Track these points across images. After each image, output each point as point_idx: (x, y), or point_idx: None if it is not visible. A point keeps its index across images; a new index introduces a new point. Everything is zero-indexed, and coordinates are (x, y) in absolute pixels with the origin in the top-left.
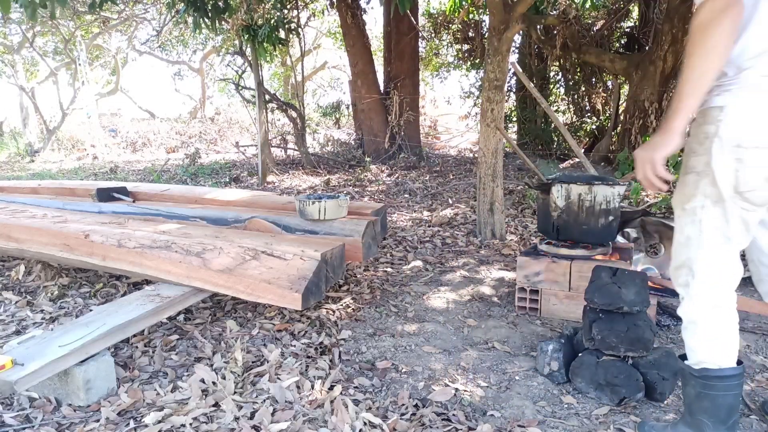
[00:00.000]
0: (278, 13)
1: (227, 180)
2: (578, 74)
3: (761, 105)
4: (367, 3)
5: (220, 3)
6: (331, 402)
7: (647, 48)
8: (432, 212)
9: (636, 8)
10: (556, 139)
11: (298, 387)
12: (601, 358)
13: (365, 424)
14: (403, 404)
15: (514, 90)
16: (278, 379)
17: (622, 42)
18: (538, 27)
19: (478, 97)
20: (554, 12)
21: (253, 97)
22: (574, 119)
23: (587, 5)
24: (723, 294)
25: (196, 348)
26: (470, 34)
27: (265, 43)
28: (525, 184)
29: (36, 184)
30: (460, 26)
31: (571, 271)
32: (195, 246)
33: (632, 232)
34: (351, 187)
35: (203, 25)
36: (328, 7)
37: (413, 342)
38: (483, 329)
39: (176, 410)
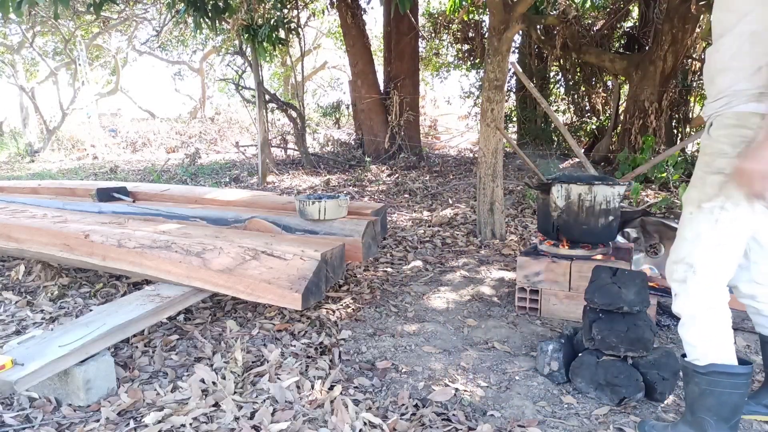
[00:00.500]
0: (278, 13)
1: (227, 180)
2: (578, 74)
3: None
4: (367, 3)
5: (220, 3)
6: (331, 402)
7: (647, 48)
8: (432, 212)
9: (636, 8)
10: (556, 139)
11: (298, 387)
12: (601, 358)
13: (365, 424)
14: (403, 404)
15: (514, 90)
16: (278, 379)
17: (622, 42)
18: (538, 27)
19: (478, 97)
20: (554, 12)
21: (253, 97)
22: (574, 119)
23: (587, 5)
24: (721, 291)
25: (196, 348)
26: (470, 34)
27: (265, 43)
28: (525, 184)
29: (36, 184)
30: (460, 26)
31: (571, 271)
32: (195, 246)
33: (632, 232)
34: (351, 187)
35: (203, 25)
36: (328, 7)
37: (413, 342)
38: (483, 329)
39: (176, 410)
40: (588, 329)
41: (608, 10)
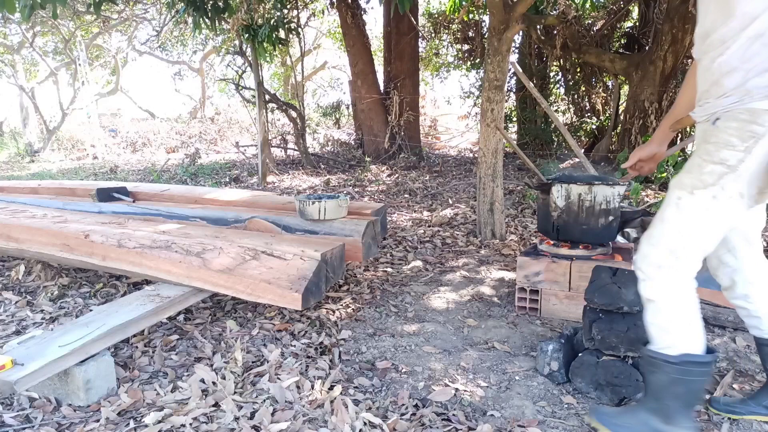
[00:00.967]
0: (278, 13)
1: (227, 180)
2: (578, 74)
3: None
4: (367, 3)
5: (220, 3)
6: (331, 402)
7: (647, 48)
8: (432, 212)
9: (636, 8)
10: (556, 139)
11: (298, 387)
12: (601, 358)
13: (365, 424)
14: (403, 404)
15: (514, 90)
16: (278, 379)
17: (622, 42)
18: (538, 27)
19: (478, 97)
20: (554, 12)
21: (253, 97)
22: (574, 119)
23: (587, 5)
24: (692, 280)
25: (196, 348)
26: (470, 34)
27: (265, 43)
28: (525, 184)
29: (36, 184)
30: (460, 26)
31: (571, 271)
32: (195, 246)
33: (632, 232)
34: (351, 187)
35: (203, 25)
36: (328, 7)
37: (413, 342)
38: (483, 329)
39: (176, 410)
40: (588, 329)
41: (608, 10)
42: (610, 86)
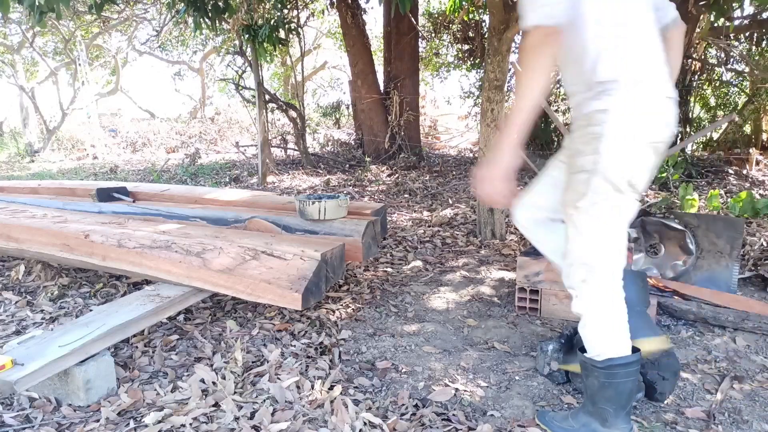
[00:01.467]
0: (278, 13)
1: (227, 180)
2: None
3: (636, 106)
4: (367, 3)
5: (220, 3)
6: (331, 402)
7: None
8: (432, 212)
9: None
10: (556, 139)
11: (298, 387)
12: None
13: (365, 424)
14: (403, 404)
15: (514, 90)
16: (278, 379)
17: None
18: None
19: (478, 97)
20: None
21: (253, 97)
22: None
23: None
24: (617, 284)
25: (196, 348)
26: (470, 34)
27: (265, 43)
28: (525, 185)
29: (36, 184)
30: (460, 26)
31: None
32: (195, 246)
33: (632, 232)
34: (351, 187)
35: (203, 25)
36: (328, 7)
37: (413, 342)
38: (483, 329)
39: (176, 410)
40: None
41: None
42: None
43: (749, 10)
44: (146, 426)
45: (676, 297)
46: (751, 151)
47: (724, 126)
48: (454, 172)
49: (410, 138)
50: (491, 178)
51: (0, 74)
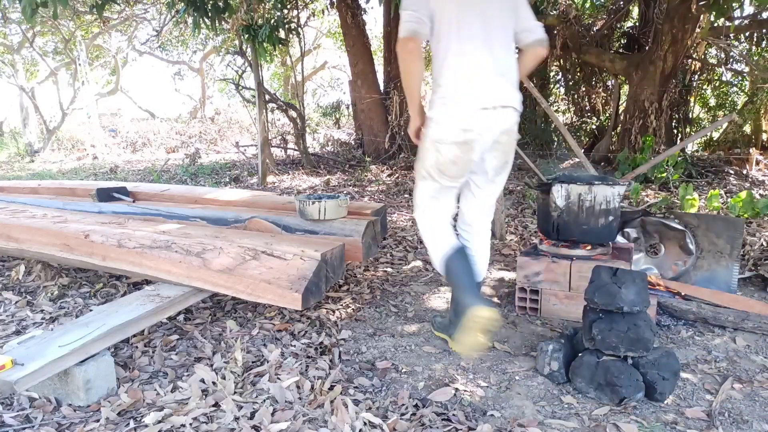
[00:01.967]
0: (278, 13)
1: (227, 180)
2: (578, 74)
3: (443, 116)
4: (367, 3)
5: (220, 3)
6: (331, 402)
7: (647, 48)
8: None
9: (636, 8)
10: (556, 139)
11: (298, 387)
12: (601, 358)
13: (365, 424)
14: (403, 404)
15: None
16: (278, 379)
17: (622, 42)
18: None
19: None
20: (554, 12)
21: (253, 97)
22: (574, 119)
23: (587, 5)
24: (438, 221)
25: (196, 348)
26: None
27: (265, 43)
28: (525, 184)
29: (36, 184)
30: None
31: (571, 271)
32: (195, 246)
33: (632, 232)
34: (351, 187)
35: (203, 25)
36: (328, 7)
37: (413, 342)
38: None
39: (176, 410)
40: (588, 329)
41: (608, 10)
42: (610, 86)
43: (749, 10)
44: (146, 426)
45: (676, 297)
46: (751, 151)
47: (724, 126)
48: None
49: (410, 138)
50: (412, 129)
51: (0, 74)
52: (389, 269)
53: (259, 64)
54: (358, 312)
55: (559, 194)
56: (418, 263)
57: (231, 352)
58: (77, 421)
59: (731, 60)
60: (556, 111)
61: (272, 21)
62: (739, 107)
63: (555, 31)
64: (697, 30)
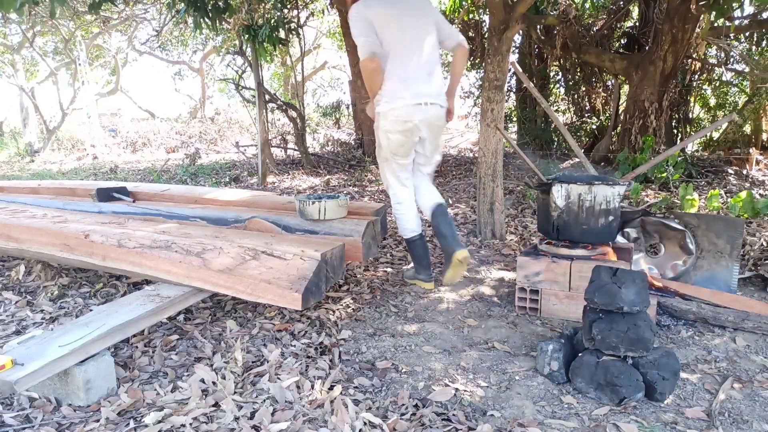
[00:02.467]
0: (278, 13)
1: (227, 180)
2: (578, 74)
3: (389, 111)
4: None
5: (220, 3)
6: (331, 402)
7: (647, 48)
8: None
9: (636, 8)
10: (556, 139)
11: (298, 387)
12: (601, 358)
13: (365, 424)
14: (403, 404)
15: (514, 90)
16: (278, 379)
17: (622, 42)
18: (538, 27)
19: (478, 97)
20: (554, 12)
21: (253, 97)
22: (574, 119)
23: (587, 5)
24: (404, 198)
25: (196, 348)
26: (470, 34)
27: (265, 43)
28: (525, 184)
29: (36, 184)
30: (460, 26)
31: (571, 271)
32: (195, 246)
33: (632, 232)
34: (351, 187)
35: (203, 25)
36: (328, 7)
37: (413, 342)
38: (483, 329)
39: (176, 410)
40: (588, 329)
41: (608, 10)
42: (610, 86)
43: (749, 10)
44: (146, 426)
45: (676, 297)
46: (751, 151)
47: (724, 126)
48: (454, 172)
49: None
50: (369, 112)
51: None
52: (389, 269)
53: (259, 64)
54: (358, 312)
55: (559, 194)
56: None
57: (231, 352)
58: (77, 421)
59: (731, 60)
60: (556, 111)
61: (272, 21)
62: (739, 107)
63: (555, 31)
64: (697, 30)
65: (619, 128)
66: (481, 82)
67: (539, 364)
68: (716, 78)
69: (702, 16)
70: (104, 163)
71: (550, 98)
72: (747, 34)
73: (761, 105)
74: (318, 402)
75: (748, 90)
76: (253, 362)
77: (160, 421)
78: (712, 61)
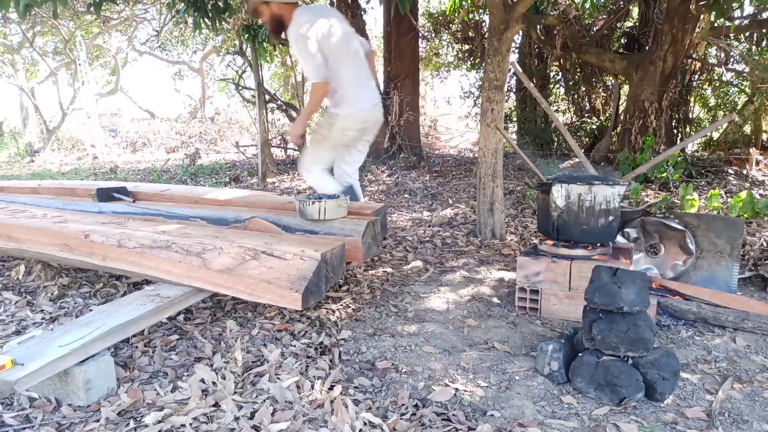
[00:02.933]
0: None
1: (227, 180)
2: (578, 74)
3: (350, 112)
4: (367, 3)
5: (220, 3)
6: (331, 402)
7: (647, 48)
8: (432, 212)
9: (636, 8)
10: (556, 139)
11: (298, 387)
12: (601, 358)
13: (365, 424)
14: (403, 404)
15: (514, 90)
16: (278, 379)
17: (622, 42)
18: (538, 27)
19: (478, 97)
20: (554, 12)
21: (253, 97)
22: (574, 119)
23: (587, 5)
24: (321, 173)
25: (196, 348)
26: (470, 34)
27: (265, 43)
28: (525, 184)
29: (36, 184)
30: (460, 26)
31: (571, 271)
32: (195, 246)
33: (632, 232)
34: None
35: (203, 25)
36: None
37: (413, 342)
38: (483, 329)
39: (176, 410)
40: (588, 329)
41: (608, 10)
42: (610, 86)
43: (749, 10)
44: (146, 426)
45: (676, 297)
46: (751, 151)
47: (724, 126)
48: (454, 172)
49: (410, 138)
50: (298, 133)
51: (0, 74)
52: (389, 269)
53: (259, 64)
54: (358, 312)
55: (559, 194)
56: (418, 263)
57: (231, 352)
58: (77, 421)
59: (731, 60)
60: (556, 111)
61: None
62: (739, 107)
63: (555, 31)
64: (697, 30)
65: (619, 128)
66: (481, 82)
67: (539, 364)
68: (716, 78)
69: (702, 16)
70: (104, 163)
71: (550, 98)
72: (747, 34)
73: (761, 105)
74: (318, 402)
75: (748, 90)
76: (253, 362)
77: (160, 421)
78: (712, 61)
